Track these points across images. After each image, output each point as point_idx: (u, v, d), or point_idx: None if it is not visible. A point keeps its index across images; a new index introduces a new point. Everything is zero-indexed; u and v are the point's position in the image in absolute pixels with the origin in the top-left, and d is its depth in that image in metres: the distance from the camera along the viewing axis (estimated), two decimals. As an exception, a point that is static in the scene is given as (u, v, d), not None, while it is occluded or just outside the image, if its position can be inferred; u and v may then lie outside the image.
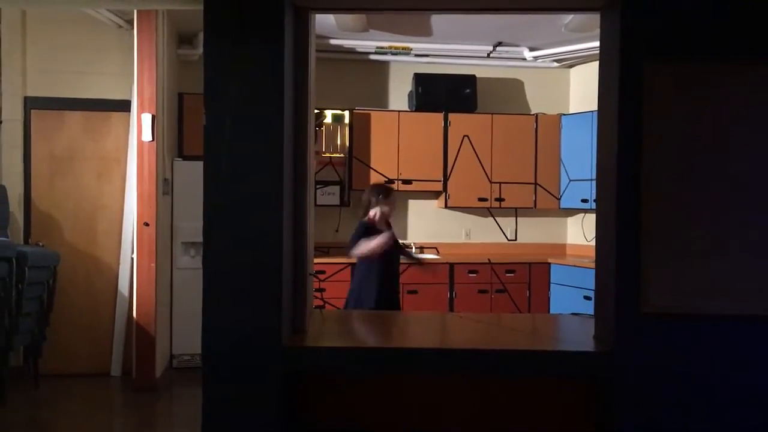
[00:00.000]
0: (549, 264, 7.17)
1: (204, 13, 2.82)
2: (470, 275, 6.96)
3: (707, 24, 2.83)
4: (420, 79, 7.25)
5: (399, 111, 7.28)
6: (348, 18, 6.13)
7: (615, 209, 2.85)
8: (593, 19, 3.89)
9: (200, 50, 6.58)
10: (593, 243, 3.18)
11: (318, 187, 6.92)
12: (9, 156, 6.16)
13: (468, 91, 7.32)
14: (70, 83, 6.24)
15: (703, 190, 2.83)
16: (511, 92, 7.76)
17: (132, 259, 6.06)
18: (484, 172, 7.29)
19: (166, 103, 6.15)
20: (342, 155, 7.19)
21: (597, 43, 3.24)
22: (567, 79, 7.87)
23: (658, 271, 2.82)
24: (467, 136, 7.26)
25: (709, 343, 2.83)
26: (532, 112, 7.63)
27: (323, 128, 7.12)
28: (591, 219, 7.25)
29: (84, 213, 6.31)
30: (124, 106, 6.24)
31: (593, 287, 3.22)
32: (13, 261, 5.23)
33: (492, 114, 7.34)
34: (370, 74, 7.58)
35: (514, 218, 7.77)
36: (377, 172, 7.16)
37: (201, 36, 6.45)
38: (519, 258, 7.27)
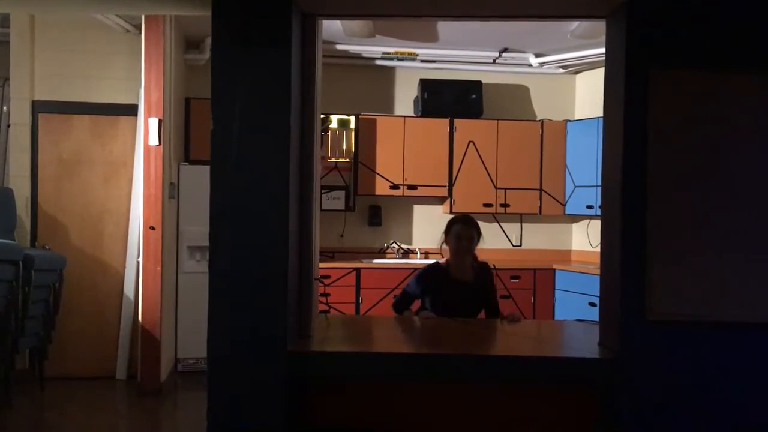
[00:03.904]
0: (554, 270, 7.16)
1: (212, 18, 2.84)
2: (475, 281, 6.95)
3: (712, 32, 2.83)
4: (426, 84, 7.27)
5: (405, 116, 7.30)
6: (354, 24, 6.15)
7: (620, 215, 2.85)
8: (599, 25, 3.89)
9: (207, 55, 6.61)
10: (598, 249, 3.18)
11: (323, 192, 6.94)
12: (17, 159, 6.20)
13: (474, 96, 7.33)
14: (77, 87, 6.28)
15: (708, 197, 2.83)
16: (516, 98, 7.77)
17: (138, 262, 6.07)
18: (490, 177, 7.30)
19: (173, 107, 6.18)
20: (347, 160, 7.20)
21: (603, 50, 3.24)
22: (573, 85, 7.87)
23: (664, 277, 2.81)
24: (473, 141, 7.26)
25: (714, 350, 2.82)
26: (537, 118, 7.63)
27: (329, 133, 7.14)
28: (596, 225, 7.24)
29: (90, 216, 6.34)
30: (131, 110, 6.27)
31: (598, 293, 3.22)
32: (20, 264, 5.25)
33: (498, 120, 7.35)
34: (376, 79, 7.60)
35: (519, 224, 7.77)
36: (383, 177, 7.18)
37: (208, 41, 6.50)
38: (524, 264, 7.27)
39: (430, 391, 3.14)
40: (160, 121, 5.82)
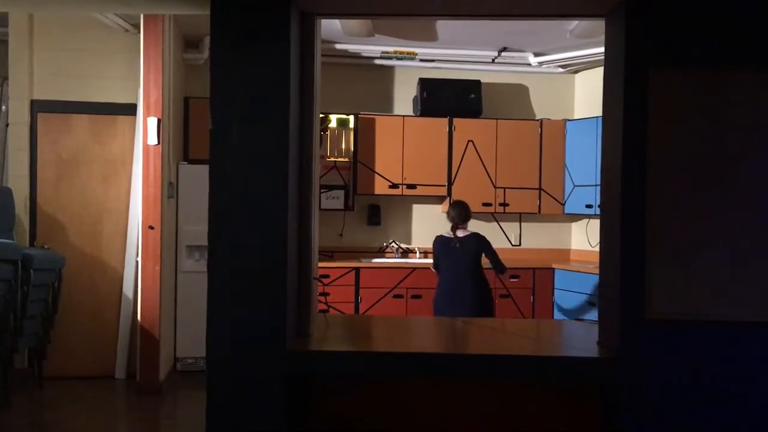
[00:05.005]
0: (553, 269, 7.16)
1: (211, 17, 2.84)
2: (474, 280, 6.95)
3: (712, 30, 2.83)
4: (425, 84, 7.26)
5: (404, 116, 7.29)
6: (353, 23, 6.15)
7: (619, 215, 2.85)
8: (598, 24, 3.90)
9: (206, 54, 6.61)
10: (597, 248, 3.18)
11: (322, 191, 6.93)
12: (15, 159, 6.19)
13: (473, 96, 7.33)
14: (76, 87, 6.27)
15: (708, 196, 2.83)
16: (516, 97, 7.77)
17: (137, 262, 6.07)
18: (489, 177, 7.30)
19: (172, 106, 6.18)
20: (347, 159, 7.20)
21: (602, 49, 3.24)
22: (572, 84, 7.87)
23: (663, 277, 2.81)
24: (472, 141, 7.26)
25: (713, 349, 2.82)
26: (536, 118, 7.63)
27: (328, 132, 7.14)
28: (595, 224, 7.25)
29: (89, 216, 6.33)
30: (130, 109, 6.27)
31: (597, 293, 3.22)
32: (19, 263, 5.25)
33: (497, 119, 7.35)
34: (375, 79, 7.59)
35: (519, 223, 7.77)
36: (382, 176, 7.18)
37: (207, 40, 6.50)
38: (523, 263, 7.27)
39: (429, 391, 3.14)
40: (159, 121, 5.81)
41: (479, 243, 5.43)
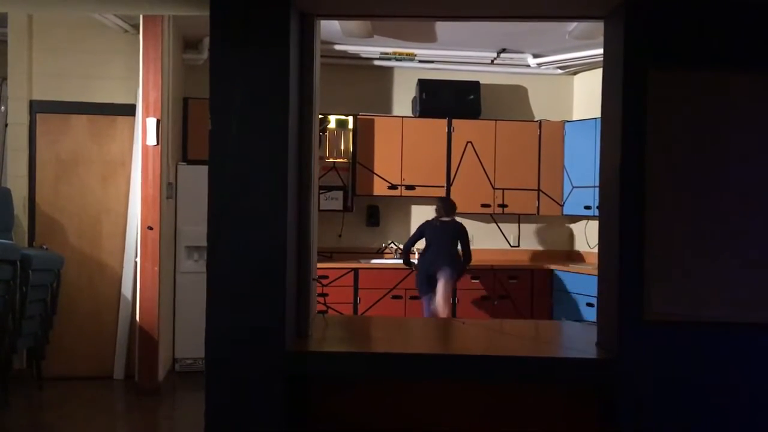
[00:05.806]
0: (552, 270, 7.17)
1: (210, 18, 2.84)
2: (473, 281, 6.96)
3: (711, 31, 2.84)
4: (424, 84, 7.27)
5: (403, 117, 7.30)
6: (353, 24, 6.15)
7: (618, 216, 2.86)
8: (597, 26, 3.90)
9: (205, 55, 6.61)
10: (596, 250, 3.19)
11: (321, 192, 6.93)
12: (14, 159, 6.19)
13: (472, 97, 7.34)
14: (75, 87, 6.27)
15: (706, 198, 2.83)
16: (514, 99, 7.77)
17: (136, 262, 6.07)
18: (488, 178, 7.30)
19: (171, 107, 6.18)
20: (346, 160, 7.20)
21: (601, 51, 3.25)
22: (571, 85, 7.88)
23: (661, 278, 2.82)
24: (471, 142, 7.27)
25: (711, 350, 2.83)
26: (535, 119, 7.64)
27: (327, 133, 7.14)
28: (594, 225, 7.25)
29: (88, 216, 6.33)
30: (129, 110, 6.27)
31: (596, 294, 3.22)
32: (18, 264, 5.25)
33: (496, 120, 7.36)
34: (375, 80, 7.60)
35: (517, 224, 7.78)
36: (381, 177, 7.18)
37: (206, 41, 6.50)
38: (522, 264, 7.27)
39: (428, 392, 3.14)
40: (158, 121, 5.81)
41: (458, 228, 6.53)
